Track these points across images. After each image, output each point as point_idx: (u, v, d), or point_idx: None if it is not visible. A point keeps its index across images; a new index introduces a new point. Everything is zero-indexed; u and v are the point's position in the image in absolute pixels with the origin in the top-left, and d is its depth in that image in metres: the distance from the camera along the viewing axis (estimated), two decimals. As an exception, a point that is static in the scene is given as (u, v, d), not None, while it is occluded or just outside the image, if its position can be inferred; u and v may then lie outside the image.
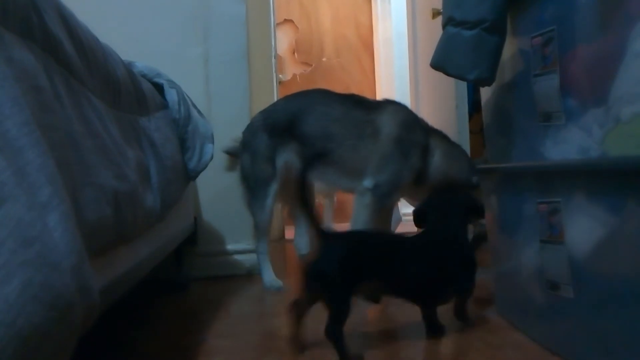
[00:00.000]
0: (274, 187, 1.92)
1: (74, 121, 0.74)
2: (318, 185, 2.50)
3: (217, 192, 2.27)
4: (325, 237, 1.13)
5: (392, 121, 1.87)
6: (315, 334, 1.32)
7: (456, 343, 1.22)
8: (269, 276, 1.93)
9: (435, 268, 1.23)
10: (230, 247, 2.27)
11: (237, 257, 2.26)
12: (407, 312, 1.38)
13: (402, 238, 1.30)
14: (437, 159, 1.85)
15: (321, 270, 1.10)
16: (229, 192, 2.25)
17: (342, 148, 1.85)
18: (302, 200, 1.15)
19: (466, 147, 2.60)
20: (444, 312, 1.29)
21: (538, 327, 1.15)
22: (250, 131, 1.99)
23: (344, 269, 1.10)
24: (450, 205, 1.33)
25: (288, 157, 1.92)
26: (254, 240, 2.07)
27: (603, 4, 0.93)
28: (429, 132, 1.91)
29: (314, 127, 1.89)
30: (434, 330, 1.25)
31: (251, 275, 2.20)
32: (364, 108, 1.91)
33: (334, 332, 1.06)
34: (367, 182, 1.82)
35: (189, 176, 1.78)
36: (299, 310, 1.16)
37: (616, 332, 0.87)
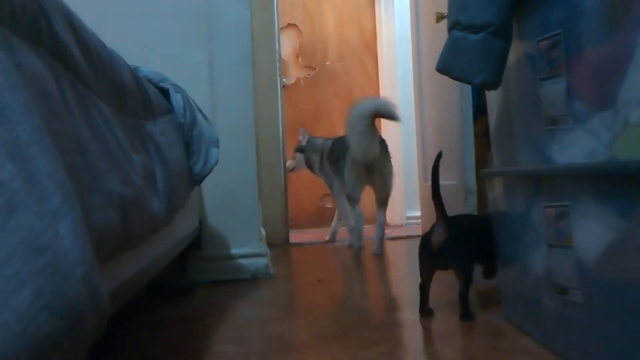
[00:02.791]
0: None
1: (81, 127, 0.74)
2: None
3: (222, 196, 2.26)
4: (451, 221, 1.42)
5: None
6: (317, 337, 1.31)
7: (463, 347, 1.22)
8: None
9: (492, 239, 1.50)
10: (234, 251, 2.26)
11: (242, 261, 2.26)
12: (410, 318, 1.37)
13: (480, 218, 1.66)
14: None
15: (452, 247, 1.39)
16: (234, 196, 2.25)
17: None
18: (434, 188, 1.45)
19: (471, 150, 2.59)
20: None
21: (546, 332, 1.14)
22: None
23: (468, 244, 1.42)
24: None
25: None
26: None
27: (610, 6, 0.92)
28: None
29: None
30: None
31: (255, 279, 2.20)
32: None
33: (465, 294, 1.38)
34: None
35: (194, 180, 1.78)
36: (426, 290, 1.45)
37: (627, 337, 0.87)
